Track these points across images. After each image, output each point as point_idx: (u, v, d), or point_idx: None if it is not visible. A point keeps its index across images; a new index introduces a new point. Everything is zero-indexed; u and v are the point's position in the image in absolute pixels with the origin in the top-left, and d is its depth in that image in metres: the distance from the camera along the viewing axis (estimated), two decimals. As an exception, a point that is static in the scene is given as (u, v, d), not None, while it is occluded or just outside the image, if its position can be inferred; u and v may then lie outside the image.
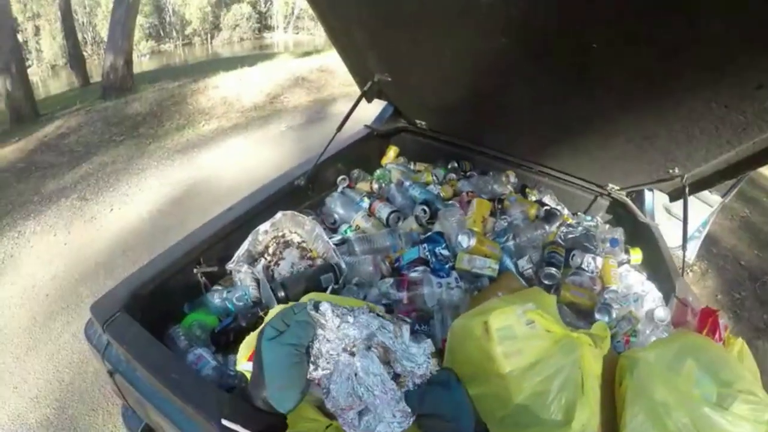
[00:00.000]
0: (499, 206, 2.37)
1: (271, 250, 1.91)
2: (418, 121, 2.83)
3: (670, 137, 1.74)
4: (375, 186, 2.56)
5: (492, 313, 1.11)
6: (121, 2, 9.72)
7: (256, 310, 1.62)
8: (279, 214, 1.90)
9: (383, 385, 0.92)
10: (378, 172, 2.67)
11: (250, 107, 8.17)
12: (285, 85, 9.43)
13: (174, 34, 28.53)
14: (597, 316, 1.68)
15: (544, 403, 1.01)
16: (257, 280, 1.76)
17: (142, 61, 21.73)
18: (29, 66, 15.46)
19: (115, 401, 2.88)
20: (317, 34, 26.91)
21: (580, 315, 1.76)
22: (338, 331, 0.95)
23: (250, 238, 1.84)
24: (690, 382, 1.09)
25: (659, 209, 2.64)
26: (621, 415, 1.10)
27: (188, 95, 8.58)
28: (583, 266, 1.99)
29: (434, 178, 2.68)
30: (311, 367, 0.91)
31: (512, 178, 2.72)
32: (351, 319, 0.98)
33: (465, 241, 1.83)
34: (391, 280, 1.71)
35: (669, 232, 2.31)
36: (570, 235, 2.14)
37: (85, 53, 15.55)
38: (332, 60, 10.30)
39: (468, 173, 2.83)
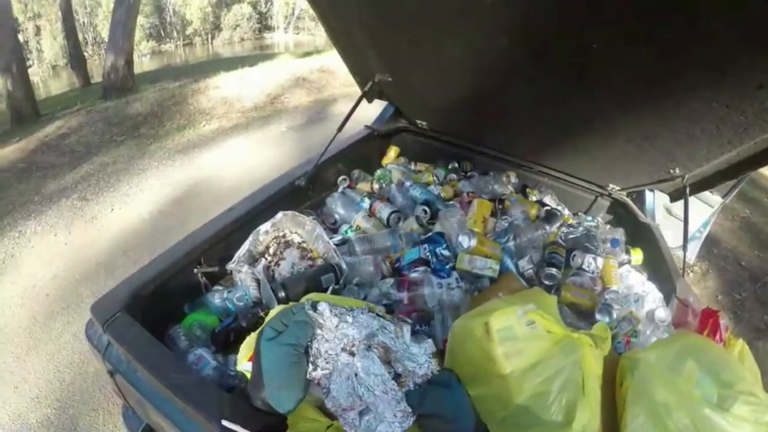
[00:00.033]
0: (500, 206, 2.37)
1: (271, 251, 1.91)
2: (418, 122, 2.83)
3: (670, 137, 1.74)
4: (375, 186, 2.56)
5: (493, 313, 1.10)
6: (122, 2, 9.72)
7: (256, 311, 1.62)
8: (279, 215, 1.90)
9: (384, 385, 0.92)
10: (378, 172, 2.67)
11: (250, 107, 8.17)
12: (285, 85, 9.43)
13: (175, 34, 28.54)
14: (597, 316, 1.68)
15: (544, 404, 1.01)
16: (258, 281, 1.76)
17: (143, 62, 21.74)
18: (30, 66, 15.47)
19: (115, 401, 2.88)
20: (318, 34, 26.93)
21: (580, 315, 1.75)
22: (337, 330, 0.95)
23: (250, 238, 1.84)
24: (691, 383, 1.09)
25: (660, 209, 2.64)
26: (621, 415, 1.10)
27: (189, 95, 8.58)
28: (583, 267, 1.99)
29: (435, 178, 2.68)
30: (310, 367, 0.91)
31: (513, 179, 2.72)
32: (350, 319, 0.98)
33: (465, 241, 1.83)
34: (391, 281, 1.71)
35: (670, 232, 2.30)
36: (571, 236, 2.14)
37: (85, 53, 15.54)
38: (333, 60, 10.31)
39: (469, 173, 2.83)
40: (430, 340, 1.06)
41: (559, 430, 0.99)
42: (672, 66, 1.34)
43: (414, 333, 1.14)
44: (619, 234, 2.22)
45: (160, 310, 1.61)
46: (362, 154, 2.80)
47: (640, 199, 2.42)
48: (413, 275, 1.77)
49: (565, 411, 1.00)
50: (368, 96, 2.51)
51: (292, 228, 1.97)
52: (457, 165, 2.89)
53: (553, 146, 2.35)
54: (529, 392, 1.02)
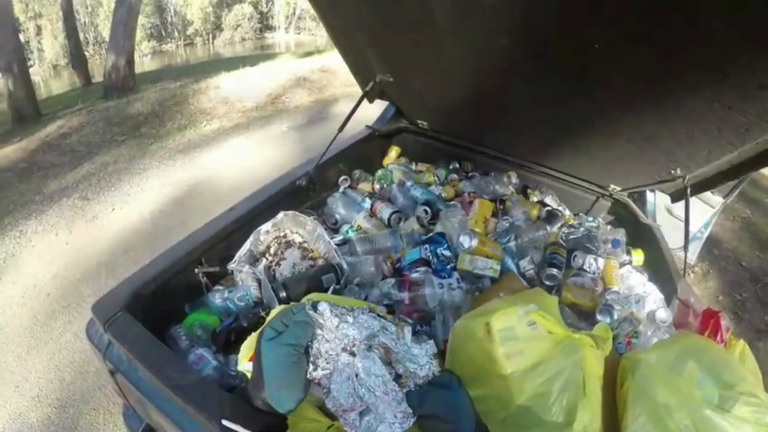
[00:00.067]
0: (501, 207, 2.37)
1: (272, 251, 1.91)
2: (419, 122, 2.83)
3: (671, 138, 1.74)
4: (376, 186, 2.56)
5: (494, 314, 1.10)
6: (123, 2, 9.72)
7: (257, 311, 1.62)
8: (280, 215, 1.90)
9: (385, 386, 0.92)
10: (379, 172, 2.67)
11: (251, 107, 8.17)
12: (286, 85, 9.43)
13: (176, 34, 28.56)
14: (598, 317, 1.68)
15: (545, 405, 1.01)
16: (258, 281, 1.76)
17: (144, 61, 21.77)
18: (31, 66, 15.49)
19: (116, 401, 2.88)
20: (319, 34, 26.95)
21: (581, 316, 1.76)
22: (337, 330, 0.95)
23: (251, 238, 1.84)
24: (691, 383, 1.09)
25: (661, 210, 2.64)
26: (622, 416, 1.10)
27: (190, 95, 8.58)
28: (584, 267, 1.99)
29: (436, 178, 2.68)
30: (311, 367, 0.91)
31: (514, 179, 2.72)
32: (350, 319, 0.98)
33: (466, 241, 1.83)
34: (392, 281, 1.71)
35: (670, 233, 2.30)
36: (571, 236, 2.14)
37: (86, 53, 15.53)
38: (334, 60, 10.30)
39: (470, 174, 2.83)
40: (431, 342, 1.06)
41: (559, 431, 0.99)
42: (673, 66, 1.34)
43: (415, 333, 1.14)
44: (620, 234, 2.22)
45: (161, 309, 1.62)
46: (363, 154, 2.80)
47: (641, 199, 2.42)
48: (414, 275, 1.77)
49: (566, 411, 1.00)
50: (369, 96, 2.51)
51: (293, 228, 1.97)
52: (458, 165, 2.89)
53: (554, 146, 2.35)
54: (530, 393, 1.02)
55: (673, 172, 1.98)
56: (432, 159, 2.94)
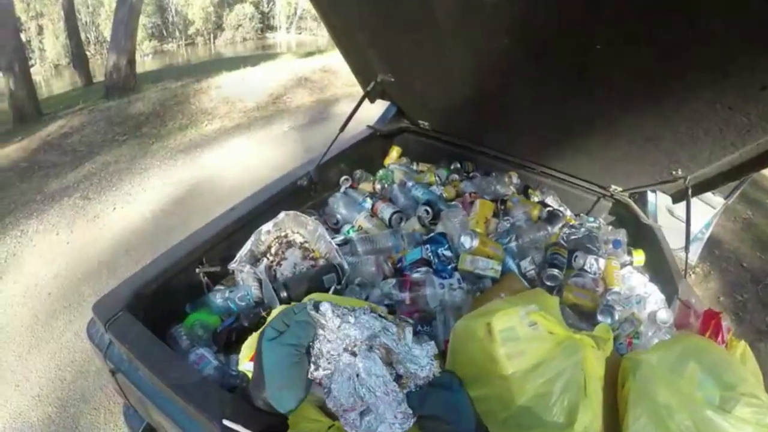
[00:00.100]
0: (502, 207, 2.36)
1: (273, 250, 1.91)
2: (420, 122, 2.83)
3: (673, 138, 1.74)
4: (378, 186, 2.56)
5: (495, 314, 1.10)
6: (124, 2, 9.74)
7: (258, 311, 1.62)
8: (282, 214, 1.90)
9: (385, 387, 0.92)
10: (381, 172, 2.67)
11: (252, 107, 8.17)
12: (288, 85, 9.43)
13: (177, 33, 28.62)
14: (599, 317, 1.68)
15: (546, 405, 1.01)
16: (259, 280, 1.76)
17: (145, 61, 21.81)
18: (32, 65, 15.53)
19: (116, 400, 2.88)
20: (320, 34, 27.00)
21: (582, 316, 1.75)
22: (339, 331, 0.95)
23: (252, 238, 1.84)
24: (693, 384, 1.09)
25: (662, 211, 2.63)
26: (623, 417, 1.10)
27: (191, 95, 8.58)
28: (585, 268, 1.99)
29: (437, 178, 2.68)
30: (312, 367, 0.91)
31: (515, 179, 2.72)
32: (352, 320, 0.98)
33: (468, 242, 1.83)
34: (393, 281, 1.71)
35: (671, 233, 2.30)
36: (573, 237, 2.14)
37: (88, 53, 15.56)
38: (335, 60, 10.30)
39: (471, 174, 2.83)
40: (432, 342, 1.06)
41: None
42: (674, 66, 1.34)
43: (416, 334, 1.14)
44: (621, 235, 2.22)
45: (161, 309, 1.62)
46: (364, 154, 2.80)
47: (642, 200, 2.42)
48: (415, 276, 1.77)
49: (567, 412, 1.00)
50: (370, 96, 2.51)
51: (294, 228, 1.97)
52: (459, 165, 2.89)
53: (555, 147, 2.34)
54: (530, 393, 1.02)
55: (674, 172, 1.98)
56: (433, 159, 2.94)
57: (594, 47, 1.38)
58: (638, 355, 1.21)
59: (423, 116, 2.78)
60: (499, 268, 1.79)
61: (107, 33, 16.98)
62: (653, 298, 1.86)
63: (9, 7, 8.76)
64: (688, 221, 2.03)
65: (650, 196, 2.40)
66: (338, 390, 0.91)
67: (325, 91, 9.36)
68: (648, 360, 1.17)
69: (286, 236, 1.95)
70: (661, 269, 2.02)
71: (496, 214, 2.29)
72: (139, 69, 11.83)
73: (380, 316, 1.06)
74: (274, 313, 1.08)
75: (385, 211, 2.22)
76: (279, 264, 1.88)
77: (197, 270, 1.78)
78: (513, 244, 2.03)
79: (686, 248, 2.06)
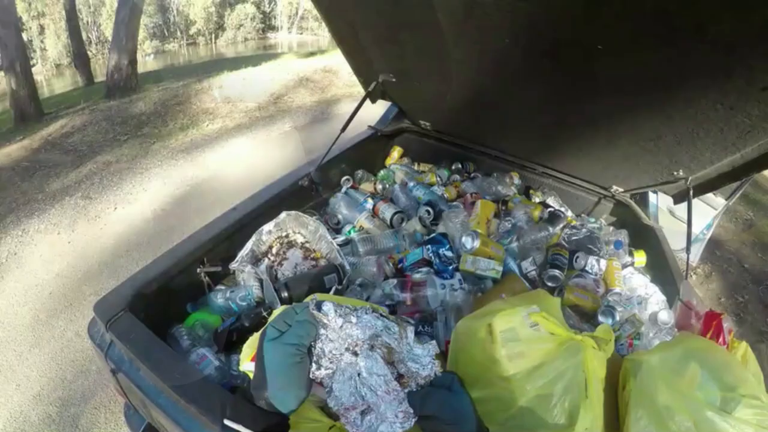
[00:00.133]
0: (503, 208, 2.37)
1: (274, 251, 1.91)
2: (422, 122, 2.83)
3: (674, 139, 1.74)
4: (379, 187, 2.57)
5: (496, 315, 1.10)
6: (126, 2, 9.75)
7: (259, 311, 1.62)
8: (283, 215, 1.90)
9: (386, 386, 0.92)
10: (382, 172, 2.67)
11: (253, 107, 8.18)
12: (289, 85, 9.45)
13: (178, 34, 28.64)
14: (600, 318, 1.68)
15: (547, 406, 1.01)
16: (261, 281, 1.76)
17: (147, 61, 21.82)
18: (34, 65, 15.54)
19: (117, 400, 2.88)
20: (321, 34, 27.06)
21: (583, 317, 1.75)
22: (341, 330, 0.95)
23: (253, 238, 1.84)
24: (693, 385, 1.08)
25: (663, 211, 2.63)
26: (624, 418, 1.10)
27: (192, 95, 8.59)
28: (586, 268, 1.99)
29: (438, 179, 2.68)
30: (314, 366, 0.91)
31: (516, 180, 2.72)
32: (354, 319, 0.98)
33: (469, 242, 1.83)
34: (394, 281, 1.71)
35: (672, 234, 2.30)
36: (574, 237, 2.14)
37: (89, 52, 15.58)
38: (336, 60, 10.33)
39: (472, 174, 2.84)
40: (433, 342, 1.06)
41: (561, 433, 0.99)
42: (676, 67, 1.34)
43: (417, 334, 1.14)
44: (623, 236, 2.22)
45: (162, 309, 1.62)
46: (366, 155, 2.80)
47: (643, 201, 2.42)
48: (416, 276, 1.77)
49: (568, 413, 1.00)
50: (372, 96, 2.51)
51: (295, 228, 1.97)
52: (460, 166, 2.89)
53: (557, 147, 2.35)
54: (531, 394, 1.02)
55: (675, 173, 1.97)
56: (434, 159, 2.94)
57: (596, 48, 1.38)
58: (639, 356, 1.21)
59: (424, 116, 2.78)
60: (501, 268, 1.79)
61: (109, 33, 17.01)
62: (654, 299, 1.86)
63: (11, 6, 8.77)
64: (689, 222, 2.02)
65: (651, 196, 2.40)
66: (340, 389, 0.91)
67: (327, 92, 9.37)
68: (649, 361, 1.17)
69: (287, 236, 1.95)
70: (662, 270, 2.02)
71: (497, 215, 2.29)
72: (141, 69, 11.83)
73: (382, 315, 1.06)
74: (276, 313, 1.08)
75: (387, 211, 2.22)
76: (280, 264, 1.88)
77: (198, 270, 1.78)
78: (514, 245, 2.03)
79: (687, 249, 2.05)
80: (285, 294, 1.60)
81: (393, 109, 2.89)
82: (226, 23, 30.24)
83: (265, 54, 18.93)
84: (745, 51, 1.16)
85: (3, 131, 8.11)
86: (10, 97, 8.82)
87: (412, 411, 0.91)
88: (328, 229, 1.98)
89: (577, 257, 1.98)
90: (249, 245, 1.82)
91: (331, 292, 1.64)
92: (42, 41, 23.00)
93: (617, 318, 1.67)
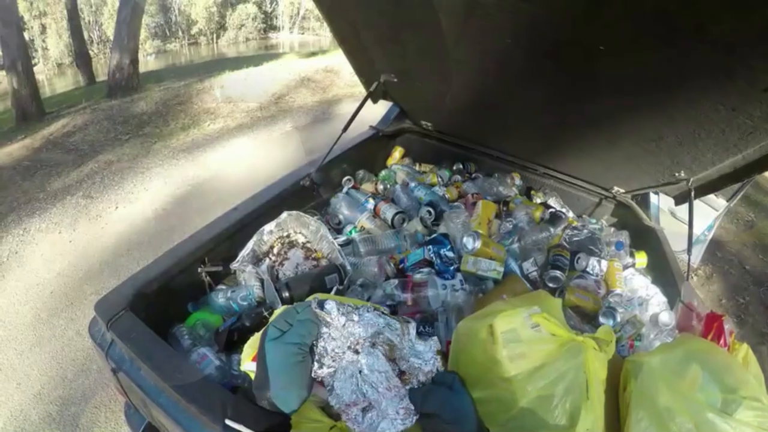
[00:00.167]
0: (505, 208, 2.36)
1: (275, 250, 1.91)
2: (423, 122, 2.83)
3: (676, 140, 1.74)
4: (380, 187, 2.57)
5: (497, 316, 1.10)
6: (127, 2, 9.76)
7: (260, 311, 1.62)
8: (284, 215, 1.90)
9: (388, 382, 0.92)
10: (383, 173, 2.67)
11: (255, 107, 8.18)
12: (290, 85, 9.45)
13: (180, 33, 28.65)
14: (601, 319, 1.68)
15: (548, 407, 1.01)
16: (262, 280, 1.76)
17: (148, 61, 21.81)
18: (35, 64, 15.54)
19: (117, 399, 2.88)
20: (323, 34, 27.05)
21: (584, 318, 1.75)
22: (344, 329, 0.95)
23: (254, 238, 1.84)
24: (694, 387, 1.08)
25: (664, 213, 2.63)
26: (625, 419, 1.10)
27: (194, 95, 8.60)
28: (587, 269, 1.98)
29: (439, 179, 2.68)
30: (316, 365, 0.91)
31: (517, 180, 2.71)
32: (356, 318, 0.99)
33: (470, 243, 1.82)
34: (395, 282, 1.71)
35: (674, 235, 2.30)
36: (575, 238, 2.13)
37: (91, 52, 15.61)
38: (338, 60, 10.34)
39: (473, 175, 2.84)
40: (435, 338, 1.06)
41: (562, 434, 0.99)
42: (677, 68, 1.34)
43: (418, 334, 1.14)
44: (624, 237, 2.21)
45: (163, 308, 1.62)
46: (367, 155, 2.80)
47: (644, 202, 2.41)
48: (417, 276, 1.77)
49: (569, 414, 1.00)
50: (373, 96, 2.51)
51: (296, 228, 1.97)
52: (461, 166, 2.89)
53: (558, 148, 2.34)
54: (532, 395, 1.02)
55: (677, 174, 1.97)
56: (435, 160, 2.94)
57: (597, 48, 1.38)
58: (640, 358, 1.21)
59: (426, 117, 2.78)
60: (502, 269, 1.79)
61: (110, 32, 17.00)
62: (655, 300, 1.86)
63: (12, 5, 8.78)
64: (691, 223, 2.02)
65: (653, 198, 2.40)
66: (341, 387, 0.91)
67: (328, 92, 9.37)
68: (650, 362, 1.17)
69: (288, 236, 1.95)
70: (663, 271, 2.02)
71: (498, 216, 2.29)
72: (142, 68, 11.82)
73: (383, 314, 1.06)
74: (277, 313, 1.08)
75: (388, 211, 2.22)
76: (281, 264, 1.88)
77: (199, 269, 1.78)
78: (515, 246, 2.03)
79: (689, 250, 2.05)
80: (286, 294, 1.60)
81: (394, 109, 2.89)
82: (228, 23, 30.24)
83: (266, 54, 18.93)
84: (745, 51, 1.16)
85: (4, 130, 8.12)
86: (12, 96, 8.83)
87: (413, 408, 0.91)
88: (329, 230, 1.98)
89: (578, 258, 1.98)
90: (250, 245, 1.82)
91: (332, 292, 1.64)
92: (44, 40, 23.01)
93: (618, 319, 1.67)
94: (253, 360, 1.03)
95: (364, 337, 0.96)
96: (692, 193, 1.98)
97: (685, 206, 2.05)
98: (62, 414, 2.89)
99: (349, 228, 2.20)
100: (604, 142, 2.04)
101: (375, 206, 2.29)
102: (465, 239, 1.85)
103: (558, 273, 1.86)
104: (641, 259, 2.13)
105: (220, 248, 1.86)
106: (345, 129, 2.46)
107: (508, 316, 1.10)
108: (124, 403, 1.82)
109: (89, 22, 24.00)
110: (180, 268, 1.71)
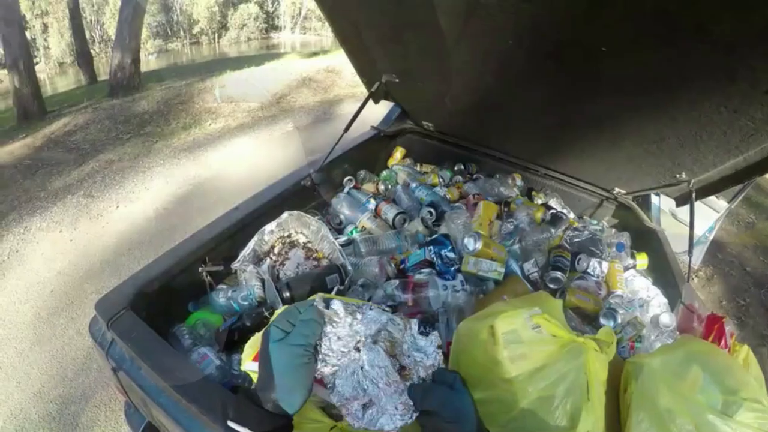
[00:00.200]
0: (506, 209, 2.36)
1: (276, 250, 1.91)
2: (424, 123, 2.83)
3: (677, 142, 1.73)
4: (381, 187, 2.57)
5: (498, 316, 1.10)
6: (129, 1, 9.79)
7: (261, 310, 1.62)
8: (285, 214, 1.90)
9: (387, 377, 0.92)
10: (384, 173, 2.67)
11: (256, 107, 8.19)
12: (292, 85, 9.46)
13: (181, 33, 28.69)
14: (602, 320, 1.68)
15: (549, 409, 1.00)
16: (262, 280, 1.75)
17: (150, 60, 21.83)
18: (37, 63, 15.57)
19: (117, 398, 2.88)
20: (324, 34, 27.08)
21: (585, 319, 1.75)
22: (350, 328, 0.95)
23: (255, 237, 1.84)
24: (695, 388, 1.08)
25: (665, 214, 2.63)
26: (625, 421, 1.09)
27: (195, 94, 8.61)
28: (588, 270, 1.98)
29: (440, 180, 2.68)
30: (320, 364, 0.91)
31: (519, 181, 2.71)
32: (359, 316, 0.98)
33: (471, 243, 1.82)
34: (396, 282, 1.70)
35: (675, 237, 2.30)
36: (576, 239, 2.13)
37: (92, 51, 15.64)
38: (339, 60, 10.36)
39: (474, 175, 2.84)
40: (436, 332, 1.05)
41: (563, 435, 0.99)
42: (679, 70, 1.34)
43: (419, 333, 1.13)
44: (625, 238, 2.21)
45: (164, 308, 1.62)
46: (368, 155, 2.80)
47: (645, 203, 2.41)
48: (418, 277, 1.77)
49: (570, 416, 1.00)
50: (375, 97, 2.51)
51: (297, 228, 1.97)
52: (462, 167, 2.89)
53: (559, 149, 2.34)
54: (533, 396, 1.01)
55: (678, 176, 1.97)
56: (437, 160, 2.94)
57: (599, 50, 1.38)
58: (641, 359, 1.21)
59: (427, 117, 2.78)
60: (503, 270, 1.79)
61: (112, 32, 17.02)
62: (656, 302, 1.85)
63: (14, 4, 8.80)
64: (692, 225, 2.02)
65: (654, 199, 2.40)
66: (342, 385, 0.91)
67: (329, 92, 9.38)
68: (651, 364, 1.16)
69: (289, 236, 1.95)
70: (664, 273, 2.02)
71: (499, 216, 2.29)
72: (144, 68, 11.83)
73: (385, 310, 1.06)
74: (278, 313, 1.08)
75: (389, 212, 2.22)
76: (282, 264, 1.88)
77: (200, 269, 1.78)
78: (516, 246, 2.03)
79: (689, 252, 2.05)
80: (287, 294, 1.60)
81: (396, 109, 2.89)
82: (230, 23, 30.28)
83: (268, 54, 18.95)
84: (745, 51, 1.15)
85: (6, 129, 8.14)
86: (14, 95, 8.86)
87: (411, 404, 0.90)
88: (330, 230, 1.97)
89: (579, 259, 1.98)
90: (251, 245, 1.82)
91: (333, 292, 1.64)
92: (45, 39, 23.04)
93: (619, 320, 1.67)
94: (254, 360, 1.02)
95: (368, 334, 0.96)
96: (693, 195, 1.98)
97: (686, 208, 2.05)
98: (62, 413, 2.90)
99: (350, 228, 2.20)
100: (606, 143, 2.04)
101: (376, 206, 2.29)
102: (466, 240, 1.85)
103: (559, 274, 1.86)
104: (642, 260, 2.13)
105: (221, 248, 1.86)
106: (346, 129, 2.45)
107: (509, 317, 1.10)
108: (124, 402, 1.82)
109: (91, 21, 24.04)
110: (181, 268, 1.71)
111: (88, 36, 16.90)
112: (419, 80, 2.31)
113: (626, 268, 2.08)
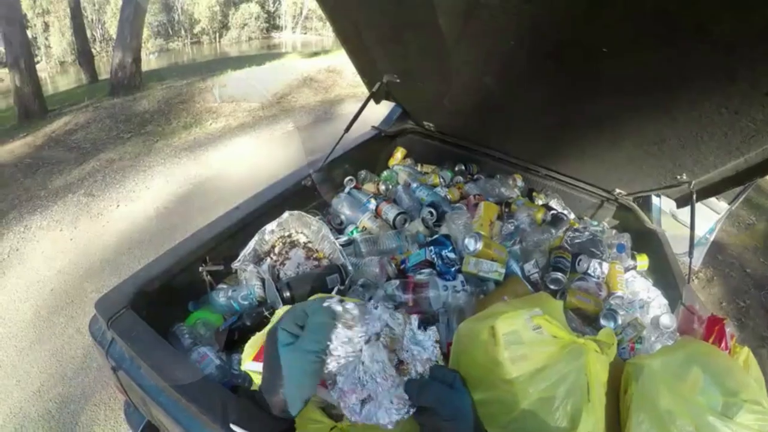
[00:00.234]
0: (506, 210, 2.36)
1: (277, 250, 1.91)
2: (425, 123, 2.82)
3: (678, 143, 1.73)
4: (382, 187, 2.56)
5: (499, 317, 1.10)
6: (130, 0, 9.76)
7: (261, 310, 1.61)
8: (285, 214, 1.90)
9: (384, 372, 0.91)
10: (385, 173, 2.67)
11: (257, 107, 8.19)
12: (293, 84, 9.47)
13: (182, 32, 28.68)
14: (602, 321, 1.68)
15: (549, 410, 1.00)
16: (263, 280, 1.75)
17: (151, 59, 21.83)
18: (38, 62, 15.54)
19: (117, 398, 2.88)
20: (325, 34, 27.08)
21: (585, 320, 1.75)
22: (360, 328, 0.95)
23: (256, 237, 1.84)
24: (695, 390, 1.08)
25: (666, 215, 2.63)
26: (626, 422, 1.09)
27: (196, 94, 8.62)
28: (589, 271, 1.98)
29: (441, 180, 2.67)
30: (328, 365, 0.91)
31: (519, 182, 2.71)
32: (368, 316, 0.98)
33: (472, 244, 1.82)
34: (396, 282, 1.70)
35: (675, 238, 2.30)
36: (576, 240, 2.13)
37: (93, 50, 15.61)
38: (340, 60, 10.36)
39: (475, 176, 2.83)
40: (434, 327, 1.05)
41: (563, 436, 0.99)
42: (680, 70, 1.33)
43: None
44: (625, 239, 2.21)
45: (164, 307, 1.62)
46: (369, 155, 2.80)
47: (646, 204, 2.41)
48: (419, 277, 1.76)
49: (570, 417, 1.00)
50: (376, 97, 2.51)
51: (298, 228, 1.97)
52: (463, 167, 2.89)
53: (560, 150, 2.34)
54: (534, 397, 1.01)
55: (679, 177, 1.97)
56: (438, 161, 2.94)
57: (600, 50, 1.38)
58: (641, 360, 1.21)
59: (428, 118, 2.78)
60: (503, 270, 1.79)
61: (113, 31, 17.06)
62: (656, 303, 1.85)
63: (15, 3, 8.80)
64: (692, 226, 2.02)
65: (654, 200, 2.40)
66: (343, 382, 0.91)
67: (330, 92, 9.39)
68: (651, 365, 1.16)
69: (289, 236, 1.95)
70: (664, 274, 2.02)
71: (500, 217, 2.29)
72: (145, 67, 11.82)
73: (387, 307, 1.06)
74: (280, 313, 1.07)
75: (389, 212, 2.22)
76: (282, 264, 1.88)
77: (200, 268, 1.78)
78: (517, 247, 2.03)
79: (690, 253, 2.05)
80: (287, 294, 1.60)
81: (397, 109, 2.89)
82: (231, 22, 30.27)
83: (269, 53, 18.94)
84: (745, 51, 1.15)
85: (7, 128, 8.14)
86: (15, 93, 8.85)
87: (407, 398, 0.90)
88: (330, 230, 1.97)
89: (580, 260, 1.98)
90: (251, 244, 1.82)
91: (334, 292, 1.64)
92: (46, 38, 23.04)
93: (619, 321, 1.67)
94: (254, 360, 1.02)
95: (373, 332, 0.95)
96: (694, 196, 1.98)
97: (687, 209, 2.05)
98: (62, 411, 2.90)
99: (350, 228, 2.20)
100: (606, 144, 2.04)
101: (377, 207, 2.29)
102: (467, 240, 1.85)
103: (559, 275, 1.86)
104: (642, 261, 2.13)
105: (222, 247, 1.86)
106: (347, 129, 2.45)
107: (509, 318, 1.10)
108: (123, 401, 1.82)
109: (92, 20, 24.04)
110: (181, 267, 1.71)
111: (89, 35, 16.91)
112: (420, 80, 2.31)
113: (627, 269, 2.08)
